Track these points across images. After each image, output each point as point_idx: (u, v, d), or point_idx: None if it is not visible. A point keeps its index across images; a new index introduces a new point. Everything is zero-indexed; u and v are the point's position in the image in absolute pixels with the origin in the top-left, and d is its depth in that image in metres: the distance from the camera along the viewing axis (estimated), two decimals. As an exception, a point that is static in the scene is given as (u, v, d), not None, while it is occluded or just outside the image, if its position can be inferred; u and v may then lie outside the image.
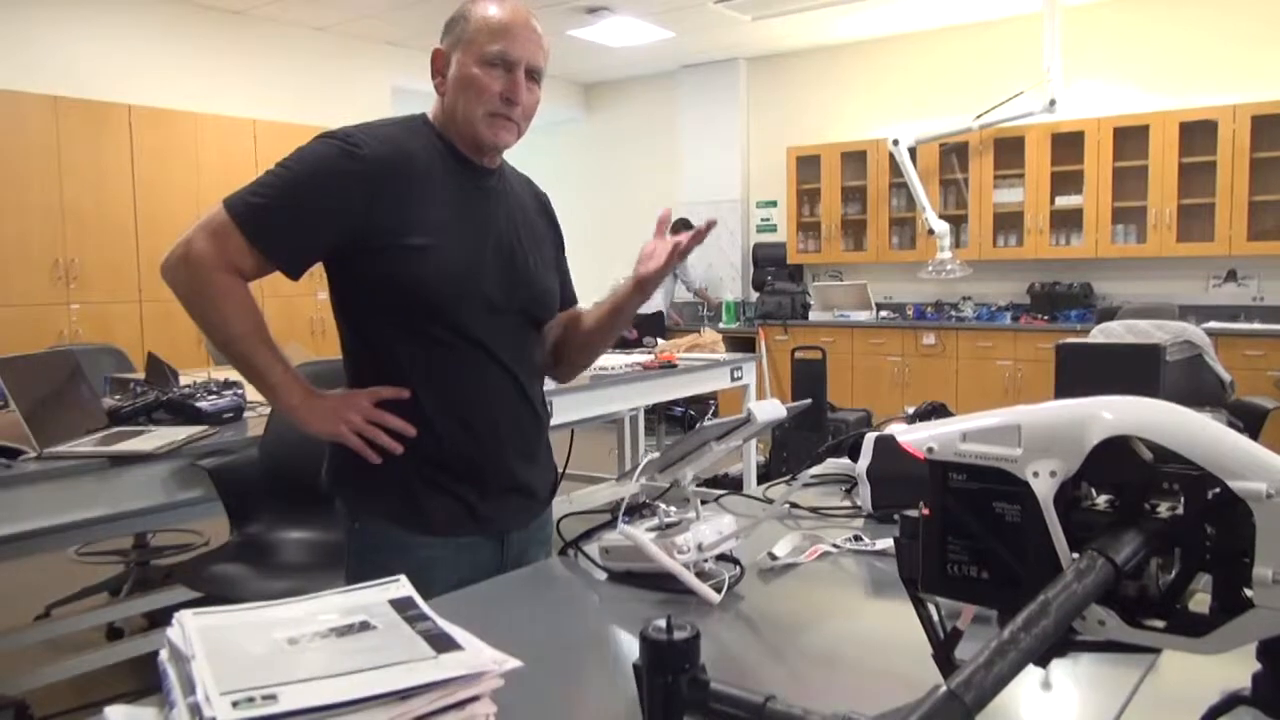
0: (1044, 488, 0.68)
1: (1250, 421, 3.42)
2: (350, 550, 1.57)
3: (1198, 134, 6.27)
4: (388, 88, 7.46)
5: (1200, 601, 0.65)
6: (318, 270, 1.52)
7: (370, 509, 1.54)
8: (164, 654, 0.82)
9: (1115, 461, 0.67)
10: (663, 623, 0.71)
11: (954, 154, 7.26)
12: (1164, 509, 0.67)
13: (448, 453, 1.52)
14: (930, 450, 0.73)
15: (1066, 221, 6.85)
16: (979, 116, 6.85)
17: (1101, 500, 0.70)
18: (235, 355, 1.48)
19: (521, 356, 1.60)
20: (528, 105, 1.53)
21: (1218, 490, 0.63)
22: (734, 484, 4.75)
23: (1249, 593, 0.62)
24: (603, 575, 1.32)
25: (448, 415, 1.51)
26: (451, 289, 1.48)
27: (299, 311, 6.23)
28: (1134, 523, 0.66)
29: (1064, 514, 0.68)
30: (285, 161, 1.46)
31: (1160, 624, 0.66)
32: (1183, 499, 0.65)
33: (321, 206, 1.44)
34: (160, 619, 3.43)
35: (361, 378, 1.54)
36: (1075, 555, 0.65)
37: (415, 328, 1.49)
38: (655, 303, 7.69)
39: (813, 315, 7.73)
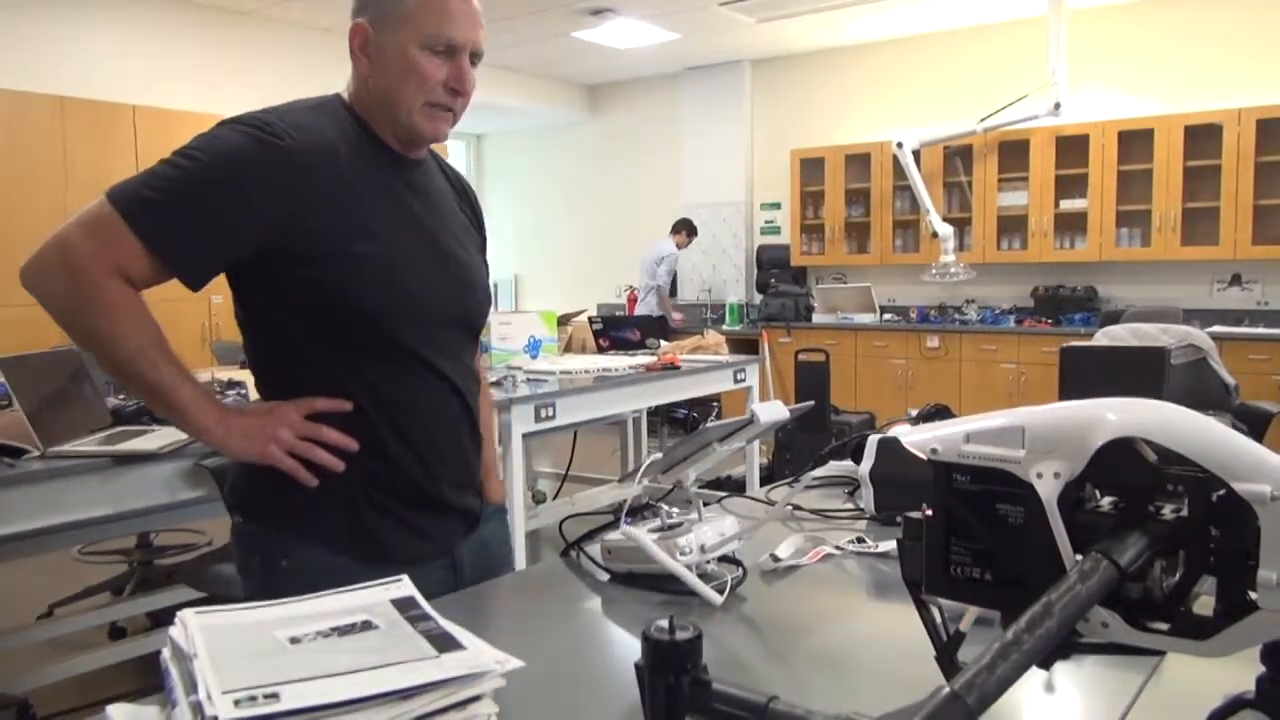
0: (1048, 489, 0.67)
1: (1254, 425, 3.42)
2: (265, 583, 1.32)
3: (1202, 138, 6.26)
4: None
5: (1204, 604, 0.65)
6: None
7: (305, 536, 1.33)
8: (166, 652, 0.82)
9: (1119, 463, 0.67)
10: (665, 623, 0.70)
11: (958, 157, 7.26)
12: (1168, 511, 0.66)
13: (394, 469, 1.35)
14: (934, 451, 0.72)
15: (1071, 225, 6.84)
16: (983, 119, 6.84)
17: (1105, 502, 0.70)
18: (132, 375, 1.27)
19: (462, 367, 1.46)
20: (469, 94, 1.37)
21: (1222, 492, 0.63)
22: (737, 486, 4.75)
23: (1253, 595, 0.62)
24: (605, 576, 1.31)
25: (389, 428, 1.35)
26: (395, 300, 1.32)
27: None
28: (1138, 525, 0.66)
29: (1068, 516, 0.67)
30: (188, 151, 1.24)
31: (1164, 626, 0.65)
32: (1187, 501, 0.65)
33: (237, 207, 1.24)
34: (163, 619, 3.44)
35: (284, 390, 1.35)
36: (1079, 557, 0.65)
37: (350, 340, 1.32)
38: (658, 308, 7.69)
39: (816, 318, 7.73)
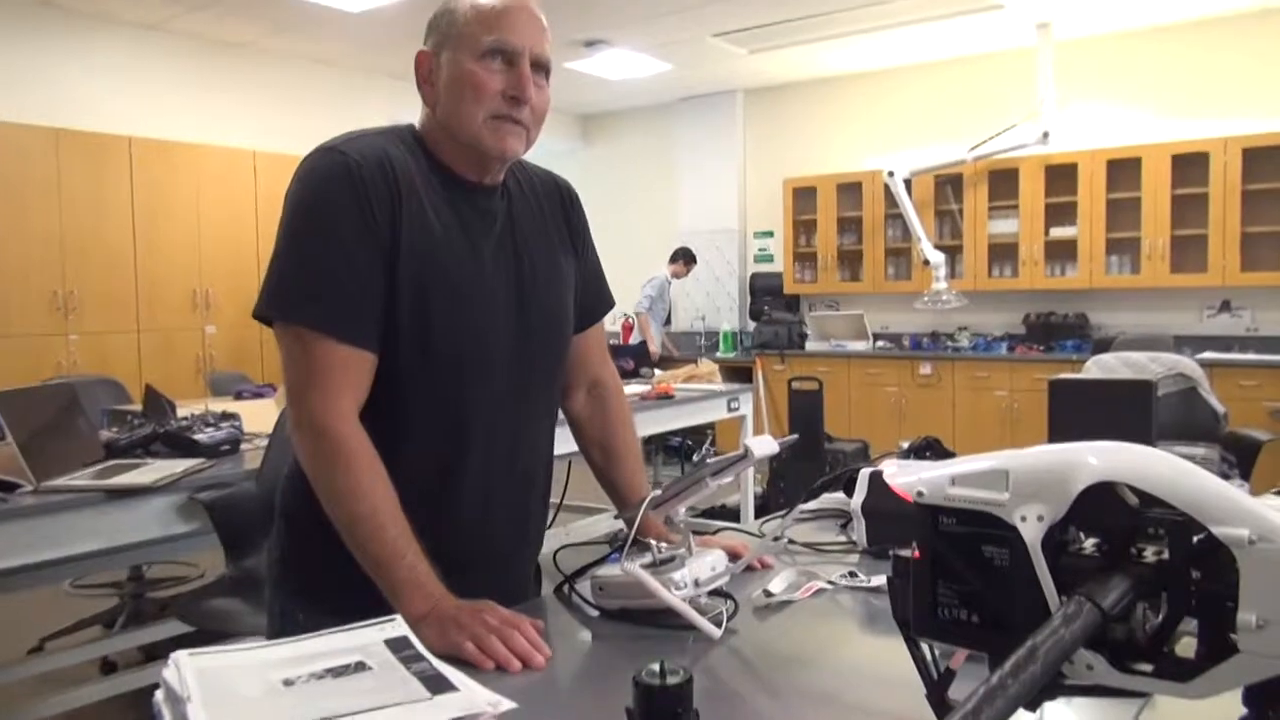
0: (1032, 532, 0.68)
1: (1244, 454, 3.42)
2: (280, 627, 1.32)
3: (1190, 166, 6.32)
4: (389, 121, 7.51)
5: (1187, 645, 0.66)
6: None
7: (322, 607, 1.19)
8: (159, 695, 0.82)
9: (1102, 507, 0.68)
10: (656, 667, 0.71)
11: (949, 185, 7.32)
12: (1150, 554, 0.67)
13: (425, 544, 1.21)
14: (920, 494, 0.74)
15: (1061, 252, 6.89)
16: (973, 148, 6.91)
17: (1089, 544, 0.71)
18: (356, 540, 1.19)
19: (522, 429, 1.39)
20: (537, 105, 1.30)
21: (1202, 536, 0.64)
22: (732, 515, 4.75)
23: (1234, 637, 0.63)
24: (595, 612, 1.31)
25: (427, 504, 1.26)
26: (454, 360, 1.28)
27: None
28: (1121, 567, 0.67)
29: (1052, 558, 0.68)
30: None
31: (1148, 668, 0.66)
32: (1168, 544, 0.66)
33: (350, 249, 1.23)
34: (155, 652, 3.41)
35: None
36: (1063, 599, 0.66)
37: (392, 397, 1.26)
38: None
39: (809, 345, 7.75)
